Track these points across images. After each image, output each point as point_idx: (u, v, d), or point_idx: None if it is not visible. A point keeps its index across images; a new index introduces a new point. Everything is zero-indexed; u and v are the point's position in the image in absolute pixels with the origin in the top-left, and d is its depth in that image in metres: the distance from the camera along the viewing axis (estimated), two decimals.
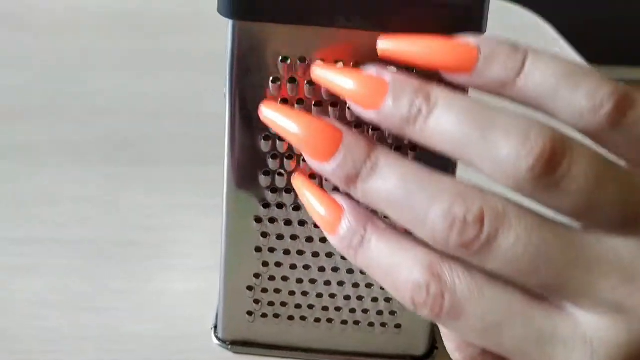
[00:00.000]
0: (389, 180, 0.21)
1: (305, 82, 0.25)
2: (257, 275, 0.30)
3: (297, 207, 0.28)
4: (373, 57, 0.23)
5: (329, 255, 0.29)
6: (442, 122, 0.20)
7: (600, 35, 1.48)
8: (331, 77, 0.22)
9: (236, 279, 0.30)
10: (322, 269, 0.29)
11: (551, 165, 0.19)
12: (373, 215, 0.22)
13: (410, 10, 0.23)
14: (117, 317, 0.34)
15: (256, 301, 0.30)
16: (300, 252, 0.29)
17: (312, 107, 0.25)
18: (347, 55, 0.24)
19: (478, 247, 0.20)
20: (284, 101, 0.25)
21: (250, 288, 0.30)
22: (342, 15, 0.23)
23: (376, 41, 0.23)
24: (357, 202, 0.22)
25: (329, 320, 0.31)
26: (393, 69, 0.22)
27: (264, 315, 0.31)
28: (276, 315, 0.31)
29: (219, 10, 0.24)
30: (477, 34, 0.22)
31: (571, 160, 0.19)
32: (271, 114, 0.23)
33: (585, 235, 0.20)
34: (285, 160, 0.27)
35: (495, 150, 0.20)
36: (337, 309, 0.30)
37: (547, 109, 0.21)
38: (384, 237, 0.22)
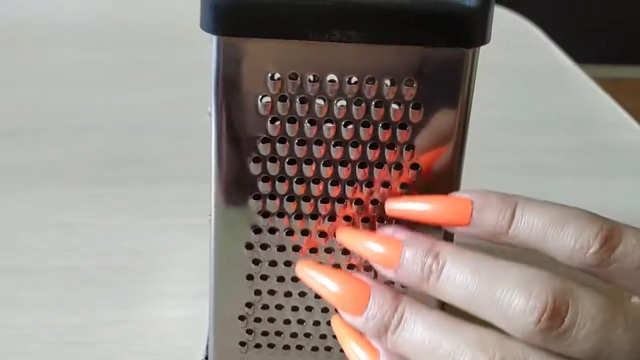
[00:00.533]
0: (416, 333, 0.23)
1: (298, 99, 0.23)
2: (249, 305, 0.28)
3: (290, 231, 0.26)
4: (369, 71, 0.21)
5: None
6: (451, 281, 0.22)
7: (591, 37, 1.48)
8: (352, 241, 0.25)
9: (227, 308, 0.28)
10: (318, 296, 0.27)
11: (555, 320, 0.21)
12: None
13: (410, 23, 0.21)
14: (106, 350, 0.32)
15: (249, 331, 0.29)
16: (295, 279, 0.27)
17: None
18: (342, 70, 0.23)
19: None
20: (274, 120, 0.24)
21: (242, 318, 0.28)
22: (337, 29, 0.22)
23: (373, 54, 0.22)
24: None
25: (327, 349, 0.29)
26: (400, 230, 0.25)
27: (258, 346, 0.29)
28: (271, 345, 0.29)
29: (202, 26, 0.22)
30: (470, 190, 0.24)
31: (575, 311, 0.21)
32: (309, 273, 0.25)
33: None
34: (277, 182, 0.25)
35: (502, 307, 0.21)
36: (336, 336, 0.29)
37: (541, 251, 0.23)
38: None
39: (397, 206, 0.24)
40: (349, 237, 0.25)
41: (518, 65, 0.61)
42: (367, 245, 0.24)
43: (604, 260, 0.22)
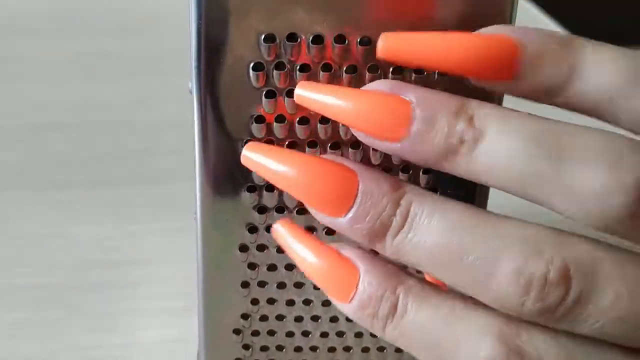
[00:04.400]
0: (431, 232, 0.16)
1: (298, 68, 0.19)
2: (245, 316, 0.24)
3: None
4: (388, 23, 0.17)
5: None
6: (495, 152, 0.16)
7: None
8: (321, 97, 0.17)
9: (219, 321, 0.24)
10: (326, 303, 0.24)
11: None
12: (400, 269, 0.17)
13: None
14: None
15: (246, 346, 0.24)
16: (298, 285, 0.23)
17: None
18: (355, 30, 0.18)
19: (565, 312, 0.15)
20: (270, 94, 0.19)
21: (237, 331, 0.24)
22: None
23: (390, 12, 0.17)
24: (374, 253, 0.17)
25: None
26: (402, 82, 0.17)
27: None
28: None
29: None
30: (513, 26, 0.17)
31: None
32: (255, 157, 0.18)
33: None
34: None
35: (575, 184, 0.15)
36: (347, 349, 0.25)
37: (609, 117, 0.16)
38: (426, 302, 0.17)
39: (399, 42, 0.16)
40: (315, 94, 0.17)
41: None
42: (350, 103, 0.17)
43: None
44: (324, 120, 0.19)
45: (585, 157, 0.15)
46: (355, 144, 0.20)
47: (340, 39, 0.18)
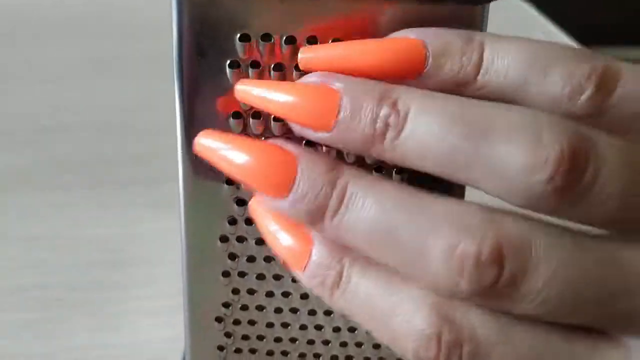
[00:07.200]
0: (366, 212, 0.16)
1: (272, 67, 0.19)
2: (226, 305, 0.24)
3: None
4: (360, 32, 0.18)
5: None
6: (420, 134, 0.16)
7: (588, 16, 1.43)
8: (259, 92, 0.18)
9: (202, 309, 0.25)
10: (304, 296, 0.24)
11: (575, 174, 0.15)
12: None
13: None
14: None
15: (227, 334, 0.25)
16: (277, 277, 0.24)
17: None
18: (325, 31, 0.19)
19: (499, 292, 0.15)
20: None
21: (219, 319, 0.25)
22: None
23: (366, 11, 0.18)
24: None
25: (316, 356, 0.26)
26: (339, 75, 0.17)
27: (238, 351, 0.26)
28: (252, 351, 0.26)
29: None
30: (417, 29, 0.18)
31: (598, 161, 0.15)
32: (206, 142, 0.18)
33: (625, 248, 0.16)
34: None
35: (499, 162, 0.15)
36: (325, 342, 0.25)
37: (517, 101, 0.17)
38: (368, 273, 0.17)
39: (317, 53, 0.18)
40: (251, 89, 0.18)
41: None
42: (283, 96, 0.17)
43: (599, 108, 0.16)
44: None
45: (506, 135, 0.15)
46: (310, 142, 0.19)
47: (312, 40, 0.19)
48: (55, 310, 0.32)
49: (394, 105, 0.16)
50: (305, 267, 0.18)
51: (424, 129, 0.16)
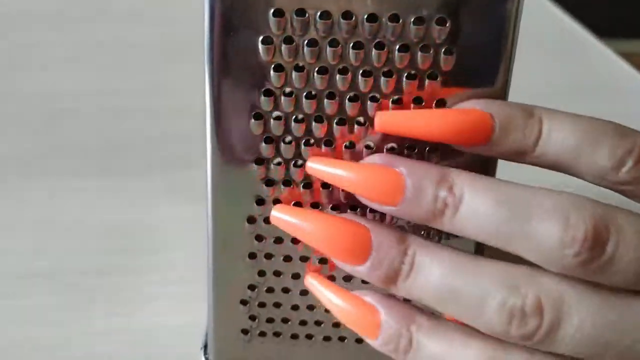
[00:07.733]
0: (432, 276, 0.20)
1: (305, 43, 0.19)
2: (252, 287, 0.24)
3: (298, 203, 0.22)
4: (392, 6, 0.18)
5: None
6: (472, 214, 0.19)
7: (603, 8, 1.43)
8: (332, 170, 0.20)
9: (227, 292, 0.25)
10: (331, 278, 0.24)
11: (597, 250, 0.18)
12: (412, 309, 0.21)
13: None
14: None
15: (252, 317, 0.25)
16: (304, 258, 0.24)
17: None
18: (361, 5, 0.19)
19: (541, 337, 0.19)
20: (278, 68, 0.20)
21: (244, 302, 0.25)
22: None
23: None
24: (390, 296, 0.21)
25: (341, 339, 0.26)
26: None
27: (262, 334, 0.25)
28: (277, 334, 0.25)
29: None
30: (482, 100, 0.20)
31: (618, 238, 0.19)
32: (284, 217, 0.21)
33: None
34: (282, 144, 0.21)
35: (535, 240, 0.19)
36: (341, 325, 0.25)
37: (570, 172, 0.20)
38: (434, 335, 0.20)
39: (394, 118, 0.20)
40: (324, 167, 0.21)
41: (532, 34, 0.57)
42: (354, 176, 0.20)
43: (637, 178, 0.19)
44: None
45: (539, 217, 0.19)
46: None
47: (347, 15, 0.19)
48: (71, 295, 0.32)
49: (450, 189, 0.19)
50: (377, 336, 0.21)
51: (475, 210, 0.19)
